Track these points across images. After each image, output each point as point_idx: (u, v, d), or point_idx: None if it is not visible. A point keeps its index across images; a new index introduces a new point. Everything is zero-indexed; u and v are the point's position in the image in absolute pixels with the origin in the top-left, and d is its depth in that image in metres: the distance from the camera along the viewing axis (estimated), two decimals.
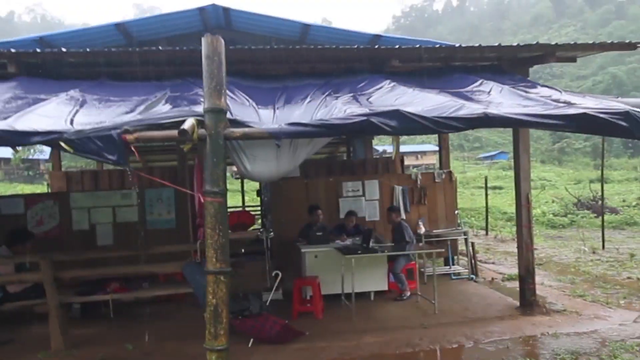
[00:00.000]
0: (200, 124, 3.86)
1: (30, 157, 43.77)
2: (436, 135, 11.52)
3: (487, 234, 17.78)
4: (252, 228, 17.37)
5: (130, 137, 3.78)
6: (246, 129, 4.02)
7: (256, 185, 19.12)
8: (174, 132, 3.64)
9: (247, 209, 19.09)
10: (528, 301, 7.43)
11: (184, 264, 6.27)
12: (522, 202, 7.41)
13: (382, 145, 41.71)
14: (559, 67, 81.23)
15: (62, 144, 3.69)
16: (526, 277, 7.46)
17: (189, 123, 3.73)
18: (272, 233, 9.73)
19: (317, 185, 10.06)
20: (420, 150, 56.62)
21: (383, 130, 4.05)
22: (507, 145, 58.16)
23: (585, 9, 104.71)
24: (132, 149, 3.85)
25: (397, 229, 8.73)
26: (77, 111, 4.49)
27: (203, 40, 3.82)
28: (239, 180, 23.12)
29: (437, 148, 11.59)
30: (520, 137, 7.33)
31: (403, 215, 9.75)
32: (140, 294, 6.97)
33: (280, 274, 6.72)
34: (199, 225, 12.26)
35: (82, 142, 3.70)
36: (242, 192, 21.89)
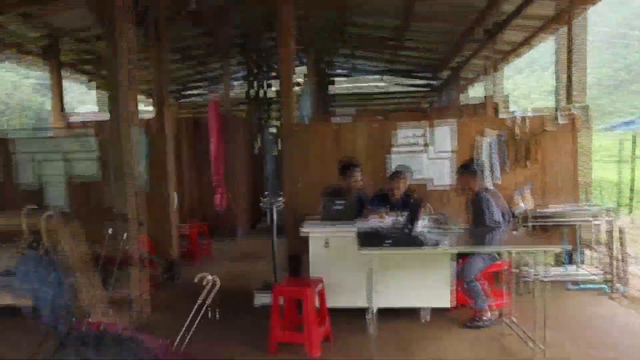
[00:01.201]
0: None
1: None
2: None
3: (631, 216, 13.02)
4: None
5: None
6: None
7: None
8: None
9: None
10: None
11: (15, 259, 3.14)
12: None
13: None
14: None
15: None
16: None
17: None
18: (281, 202, 6.34)
19: (353, 132, 6.48)
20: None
21: None
22: None
23: None
24: None
25: (473, 203, 5.02)
26: None
27: None
28: None
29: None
30: None
31: (496, 181, 6.09)
32: None
33: (217, 281, 3.39)
34: (215, 187, 9.27)
35: None
36: None
